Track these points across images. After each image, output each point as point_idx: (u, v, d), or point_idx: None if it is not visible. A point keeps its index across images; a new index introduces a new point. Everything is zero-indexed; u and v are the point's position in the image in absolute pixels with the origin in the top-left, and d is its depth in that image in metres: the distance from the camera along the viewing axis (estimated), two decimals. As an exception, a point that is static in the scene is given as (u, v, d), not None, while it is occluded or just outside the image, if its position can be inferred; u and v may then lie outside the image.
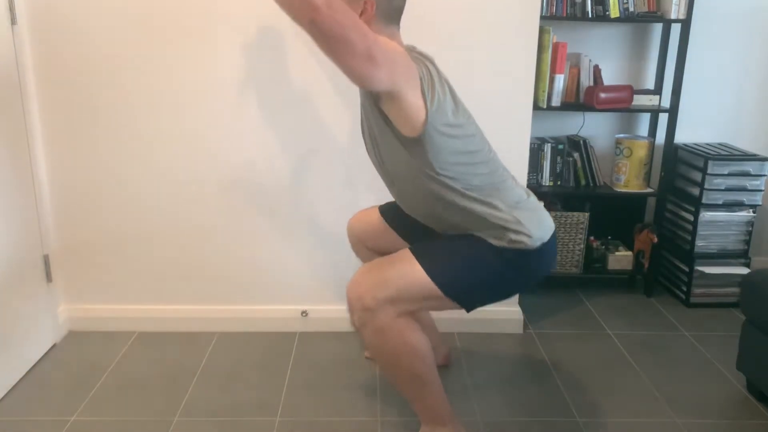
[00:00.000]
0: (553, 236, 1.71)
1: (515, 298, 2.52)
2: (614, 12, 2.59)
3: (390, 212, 2.00)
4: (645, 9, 2.63)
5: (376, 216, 2.04)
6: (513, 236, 1.62)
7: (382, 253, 2.00)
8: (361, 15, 1.57)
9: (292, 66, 2.27)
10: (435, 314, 2.27)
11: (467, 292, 1.64)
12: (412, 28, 2.22)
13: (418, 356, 1.63)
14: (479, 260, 1.63)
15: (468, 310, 1.68)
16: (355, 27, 1.31)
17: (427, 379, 1.68)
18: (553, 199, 2.89)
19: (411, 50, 1.63)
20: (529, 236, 1.62)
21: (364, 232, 2.07)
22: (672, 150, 2.81)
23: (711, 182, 2.70)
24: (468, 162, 1.61)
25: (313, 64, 2.26)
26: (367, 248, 2.08)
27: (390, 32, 1.63)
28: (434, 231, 1.78)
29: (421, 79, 1.52)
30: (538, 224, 1.66)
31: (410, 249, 1.66)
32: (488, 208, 1.63)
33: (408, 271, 1.60)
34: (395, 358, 1.63)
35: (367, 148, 1.81)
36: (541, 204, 1.75)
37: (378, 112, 1.58)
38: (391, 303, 1.58)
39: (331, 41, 1.31)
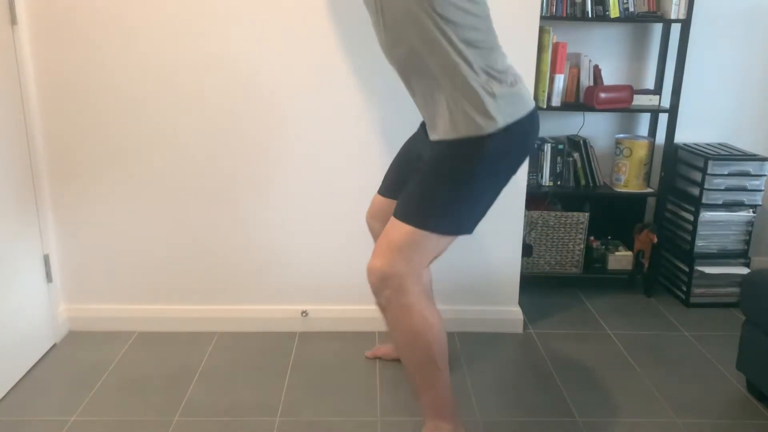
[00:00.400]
0: (531, 115, 1.65)
1: (515, 298, 2.52)
2: (614, 12, 2.59)
3: (384, 185, 2.04)
4: (645, 9, 2.63)
5: (378, 198, 2.08)
6: (481, 117, 1.59)
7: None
8: None
9: (295, 65, 2.27)
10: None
11: (458, 222, 1.66)
12: (412, 28, 2.22)
13: (435, 338, 1.68)
14: (452, 185, 1.63)
15: (469, 233, 1.70)
16: None
17: (440, 364, 1.71)
18: (553, 199, 2.89)
19: None
20: (493, 118, 1.59)
21: (374, 217, 2.11)
22: (672, 150, 2.81)
23: (711, 182, 2.70)
24: (468, 9, 1.58)
25: (318, 63, 2.26)
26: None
27: None
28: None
29: None
30: (513, 104, 1.62)
31: (394, 214, 1.69)
32: (470, 70, 1.59)
33: (404, 232, 1.64)
34: (414, 337, 1.67)
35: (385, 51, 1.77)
36: (523, 85, 1.69)
37: None
38: (410, 267, 1.63)
39: None
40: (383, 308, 1.69)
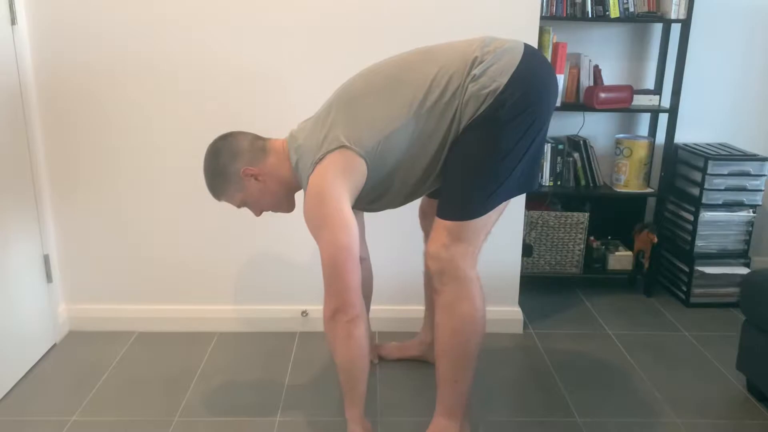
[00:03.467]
0: (524, 58, 1.60)
1: (515, 298, 2.52)
2: (614, 12, 2.59)
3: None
4: (645, 9, 2.63)
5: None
6: (477, 94, 1.59)
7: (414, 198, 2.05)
8: (257, 180, 1.74)
9: (299, 66, 2.26)
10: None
11: (498, 192, 1.65)
12: (413, 28, 2.22)
13: (477, 332, 1.72)
14: (480, 168, 1.63)
15: (528, 190, 1.76)
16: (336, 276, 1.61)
17: (472, 361, 1.74)
18: (553, 199, 2.89)
19: (295, 144, 1.72)
20: (485, 85, 1.58)
21: (423, 215, 2.15)
22: (672, 150, 2.81)
23: (711, 182, 2.70)
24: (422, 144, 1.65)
25: (319, 64, 2.26)
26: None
27: (274, 159, 1.75)
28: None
29: (349, 158, 1.61)
30: (495, 69, 1.60)
31: (438, 215, 1.70)
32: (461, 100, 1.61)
33: (452, 226, 1.66)
34: (460, 325, 1.70)
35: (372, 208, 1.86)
36: (498, 44, 1.64)
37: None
38: (465, 247, 1.66)
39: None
40: (438, 292, 1.71)
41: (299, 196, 1.81)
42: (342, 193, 1.61)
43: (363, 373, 1.70)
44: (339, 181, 1.61)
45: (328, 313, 1.64)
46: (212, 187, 1.78)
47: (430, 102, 1.61)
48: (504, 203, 1.71)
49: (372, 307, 2.51)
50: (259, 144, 1.76)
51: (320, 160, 1.62)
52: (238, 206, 1.80)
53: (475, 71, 1.59)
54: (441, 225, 1.68)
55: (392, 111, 1.62)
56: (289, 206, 1.85)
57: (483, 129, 1.60)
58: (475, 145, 1.62)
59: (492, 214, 1.68)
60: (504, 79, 1.57)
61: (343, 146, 1.61)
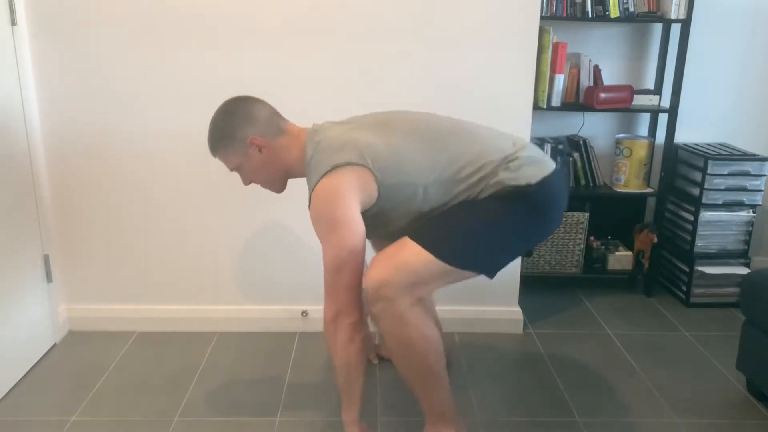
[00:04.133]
0: (555, 175, 1.69)
1: (515, 298, 2.52)
2: (614, 12, 2.59)
3: None
4: (645, 9, 2.63)
5: None
6: (505, 182, 1.65)
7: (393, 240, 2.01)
8: (261, 151, 1.70)
9: (299, 66, 2.27)
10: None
11: (477, 258, 1.64)
12: (412, 28, 2.22)
13: (431, 347, 1.65)
14: (483, 224, 1.63)
15: (491, 276, 1.68)
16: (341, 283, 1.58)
17: (438, 372, 1.69)
18: (553, 199, 2.89)
19: (317, 138, 1.70)
20: (517, 179, 1.64)
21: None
22: (672, 150, 2.81)
23: (711, 182, 2.70)
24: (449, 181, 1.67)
25: (319, 64, 2.26)
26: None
27: (286, 139, 1.73)
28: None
29: (361, 176, 1.61)
30: (533, 169, 1.66)
31: (410, 236, 1.66)
32: (477, 181, 1.66)
33: (417, 253, 1.60)
34: (411, 348, 1.64)
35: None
36: (541, 156, 1.73)
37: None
38: (411, 288, 1.59)
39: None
40: (376, 318, 1.63)
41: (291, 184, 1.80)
42: (353, 199, 1.59)
43: (361, 376, 1.69)
44: (353, 189, 1.59)
45: (330, 316, 1.62)
46: (213, 144, 1.73)
47: (458, 176, 1.65)
48: (465, 277, 1.66)
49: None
50: (276, 120, 1.73)
51: (340, 166, 1.60)
52: (231, 169, 1.76)
53: (511, 165, 1.66)
54: (405, 252, 1.60)
55: (423, 165, 1.65)
56: (280, 187, 1.82)
57: (509, 199, 1.64)
58: (498, 206, 1.64)
59: (453, 275, 1.64)
60: (533, 181, 1.64)
61: (367, 167, 1.61)
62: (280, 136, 1.72)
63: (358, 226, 1.58)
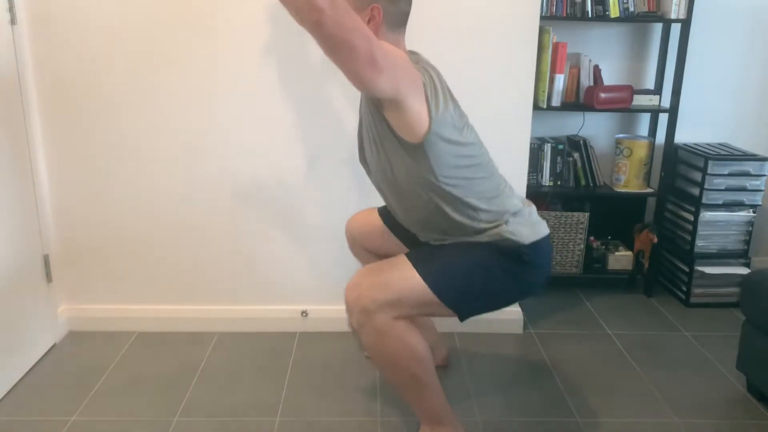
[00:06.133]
0: (547, 239, 1.71)
1: (515, 298, 2.52)
2: (614, 12, 2.59)
3: (389, 215, 2.00)
4: (645, 9, 2.63)
5: (376, 217, 2.04)
6: (504, 234, 1.64)
7: (380, 254, 2.01)
8: (368, 23, 1.58)
9: (297, 66, 2.27)
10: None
11: (462, 300, 1.64)
12: (412, 28, 2.22)
13: (416, 358, 1.63)
14: (475, 267, 1.64)
15: (462, 319, 1.67)
16: (359, 30, 1.31)
17: (425, 381, 1.67)
18: (553, 199, 2.89)
19: (415, 58, 1.64)
20: (516, 235, 1.64)
21: (363, 234, 2.06)
22: (672, 150, 2.81)
23: (711, 182, 2.70)
24: (469, 166, 1.62)
25: (319, 64, 2.26)
26: (365, 249, 2.09)
27: (395, 39, 1.65)
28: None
29: (424, 86, 1.53)
30: (530, 229, 1.68)
31: (407, 255, 1.66)
32: (483, 217, 1.65)
33: (407, 276, 1.60)
34: (393, 359, 1.63)
35: (360, 156, 1.82)
36: (539, 219, 1.76)
37: (381, 118, 1.58)
38: (390, 306, 1.58)
39: (334, 44, 1.30)
40: (356, 329, 1.62)
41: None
42: (404, 69, 1.48)
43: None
44: (408, 72, 1.49)
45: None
46: None
47: (475, 203, 1.65)
48: (441, 313, 1.65)
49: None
50: (401, 23, 1.64)
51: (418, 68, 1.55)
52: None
53: (516, 219, 1.67)
54: (398, 272, 1.61)
55: (462, 165, 1.63)
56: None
57: (503, 253, 1.64)
58: (494, 257, 1.64)
59: (434, 309, 1.63)
60: (527, 242, 1.65)
61: (431, 99, 1.53)
62: (392, 32, 1.62)
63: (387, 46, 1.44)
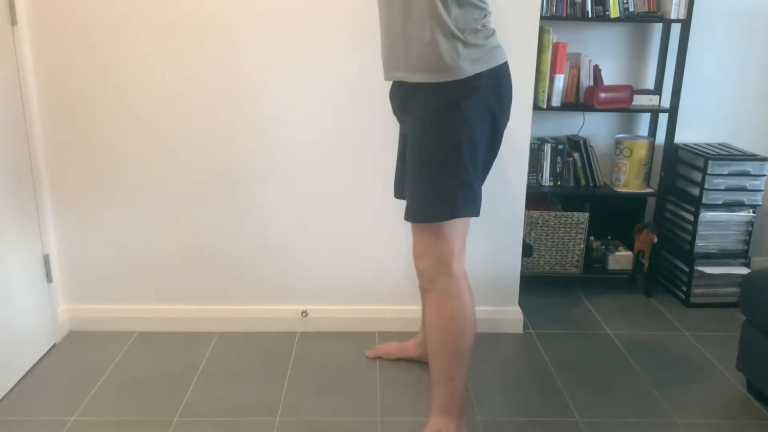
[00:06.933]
0: (504, 66, 1.68)
1: (515, 298, 2.52)
2: (614, 12, 2.59)
3: (395, 186, 2.05)
4: (645, 9, 2.63)
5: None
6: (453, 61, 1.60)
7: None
8: None
9: (303, 62, 2.26)
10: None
11: (461, 202, 1.66)
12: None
13: (468, 328, 1.74)
14: (441, 158, 1.63)
15: (474, 214, 1.72)
16: None
17: (465, 357, 1.76)
18: (553, 199, 2.89)
19: None
20: (464, 65, 1.60)
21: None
22: (672, 150, 2.81)
23: (711, 182, 2.70)
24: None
25: (328, 61, 2.26)
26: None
27: None
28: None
29: None
30: (486, 54, 1.64)
31: (405, 218, 1.71)
32: (456, 45, 1.60)
33: (422, 231, 1.70)
34: (450, 322, 1.72)
35: None
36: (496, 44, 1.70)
37: None
38: (445, 247, 1.68)
39: None
40: (426, 290, 1.75)
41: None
42: None
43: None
44: None
45: None
46: None
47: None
48: (466, 222, 1.71)
49: (373, 307, 2.52)
50: None
51: None
52: None
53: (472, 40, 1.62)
54: (416, 234, 1.72)
55: None
56: None
57: (446, 112, 1.62)
58: (437, 131, 1.62)
59: (459, 224, 1.70)
60: (471, 73, 1.61)
61: None
62: None
63: None
